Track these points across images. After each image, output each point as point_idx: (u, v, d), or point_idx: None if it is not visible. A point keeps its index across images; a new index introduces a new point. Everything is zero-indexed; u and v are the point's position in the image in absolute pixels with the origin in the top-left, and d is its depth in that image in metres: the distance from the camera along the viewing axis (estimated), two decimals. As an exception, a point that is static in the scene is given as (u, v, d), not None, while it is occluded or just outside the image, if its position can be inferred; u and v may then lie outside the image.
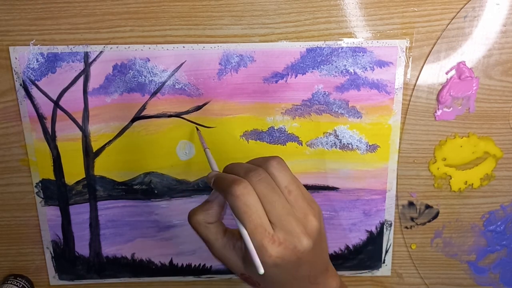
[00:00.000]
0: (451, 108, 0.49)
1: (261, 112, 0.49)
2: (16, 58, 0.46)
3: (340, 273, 0.54)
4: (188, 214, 0.38)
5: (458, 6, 0.46)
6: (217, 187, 0.37)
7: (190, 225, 0.38)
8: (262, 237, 0.34)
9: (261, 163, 0.37)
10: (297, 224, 0.35)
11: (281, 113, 0.49)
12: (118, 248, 0.53)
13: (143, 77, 0.47)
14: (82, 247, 0.52)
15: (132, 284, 0.55)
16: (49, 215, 0.51)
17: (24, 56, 0.46)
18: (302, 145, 0.50)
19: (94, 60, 0.46)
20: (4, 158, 0.50)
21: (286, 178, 0.36)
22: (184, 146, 0.50)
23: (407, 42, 0.47)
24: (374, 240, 0.53)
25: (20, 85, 0.47)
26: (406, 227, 0.54)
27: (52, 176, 0.50)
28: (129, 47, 0.46)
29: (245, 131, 0.49)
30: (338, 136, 0.50)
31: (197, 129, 0.48)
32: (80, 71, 0.47)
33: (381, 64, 0.47)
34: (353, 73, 0.48)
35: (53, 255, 0.53)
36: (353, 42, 0.47)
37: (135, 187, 0.51)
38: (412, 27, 0.47)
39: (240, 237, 0.36)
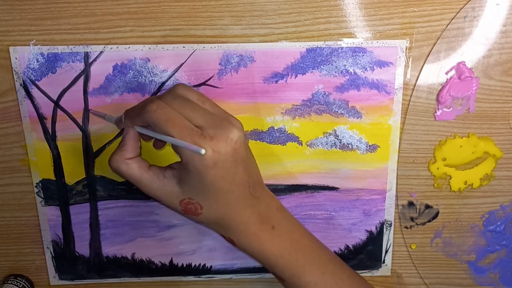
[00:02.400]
0: (451, 108, 0.49)
1: (261, 112, 0.49)
2: (16, 58, 0.46)
3: (340, 273, 0.55)
4: (108, 161, 0.37)
5: (458, 6, 0.46)
6: (129, 117, 0.37)
7: (112, 169, 0.37)
8: (192, 137, 0.34)
9: (168, 91, 0.37)
10: (222, 120, 0.36)
11: (281, 113, 0.49)
12: (118, 248, 0.53)
13: (143, 77, 0.47)
14: (82, 247, 0.53)
15: (132, 284, 0.55)
16: (49, 215, 0.51)
17: (24, 56, 0.46)
18: (302, 145, 0.50)
19: (94, 60, 0.47)
20: (4, 158, 0.50)
21: (195, 94, 0.37)
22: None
23: (407, 42, 0.47)
24: (374, 240, 0.53)
25: (20, 85, 0.47)
26: (406, 227, 0.54)
27: (52, 176, 0.50)
28: (129, 47, 0.46)
29: (245, 131, 0.49)
30: (338, 136, 0.50)
31: (89, 109, 0.47)
32: (80, 71, 0.47)
33: (381, 64, 0.48)
34: (353, 73, 0.48)
35: (53, 255, 0.53)
36: (353, 42, 0.47)
37: (135, 187, 0.51)
38: (412, 27, 0.47)
39: (169, 167, 0.36)
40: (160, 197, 0.38)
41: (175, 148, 0.36)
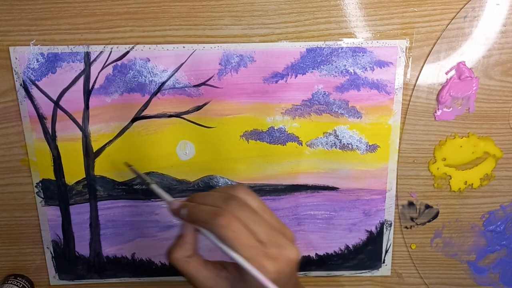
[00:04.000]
0: (451, 108, 0.49)
1: (261, 112, 0.49)
2: (16, 58, 0.46)
3: (340, 273, 0.55)
4: (166, 253, 0.38)
5: (458, 6, 0.46)
6: (195, 220, 0.37)
7: (171, 263, 0.38)
8: (257, 256, 0.35)
9: (230, 191, 0.38)
10: (282, 237, 0.36)
11: (281, 113, 0.49)
12: (118, 248, 0.53)
13: (143, 77, 0.47)
14: (82, 247, 0.53)
15: (132, 284, 0.55)
16: (49, 215, 0.51)
17: (24, 56, 0.46)
18: (302, 145, 0.50)
19: (95, 60, 0.47)
20: (4, 158, 0.50)
21: (256, 200, 0.38)
22: (184, 146, 0.50)
23: (407, 42, 0.47)
24: (374, 240, 0.53)
25: (20, 85, 0.47)
26: (406, 227, 0.54)
27: (52, 176, 0.50)
28: (129, 47, 0.46)
29: (245, 131, 0.49)
30: (338, 136, 0.50)
31: (129, 165, 0.46)
32: (80, 71, 0.47)
33: (381, 64, 0.48)
34: (353, 73, 0.48)
35: (53, 255, 0.53)
36: (353, 42, 0.47)
37: (135, 187, 0.51)
38: (412, 27, 0.47)
39: (223, 267, 0.38)
40: None
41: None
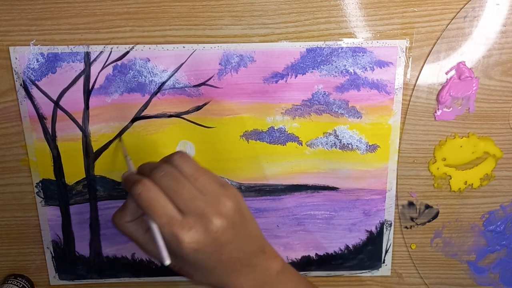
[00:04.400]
0: (451, 108, 0.49)
1: (261, 112, 0.49)
2: (16, 58, 0.46)
3: (340, 273, 0.55)
4: (111, 219, 0.39)
5: (458, 6, 0.46)
6: (124, 189, 0.38)
7: (115, 227, 0.39)
8: (170, 225, 0.35)
9: (166, 159, 0.38)
10: (207, 206, 0.36)
11: (281, 113, 0.49)
12: (118, 248, 0.53)
13: (143, 77, 0.47)
14: (82, 247, 0.53)
15: (132, 284, 0.55)
16: (49, 215, 0.51)
17: (24, 56, 0.46)
18: (302, 145, 0.50)
19: (95, 60, 0.47)
20: (4, 158, 0.50)
21: (190, 167, 0.37)
22: (184, 146, 0.50)
23: (407, 42, 0.47)
24: (374, 240, 0.53)
25: (20, 85, 0.47)
26: (406, 227, 0.54)
27: (52, 176, 0.50)
28: (129, 47, 0.46)
29: (245, 131, 0.49)
30: (338, 136, 0.50)
31: (120, 140, 0.49)
32: (80, 71, 0.47)
33: (381, 64, 0.48)
34: (353, 73, 0.48)
35: (53, 255, 0.53)
36: (353, 42, 0.47)
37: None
38: (412, 27, 0.47)
39: None
40: (152, 256, 0.39)
41: None
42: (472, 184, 0.52)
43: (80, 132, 0.49)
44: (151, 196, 0.35)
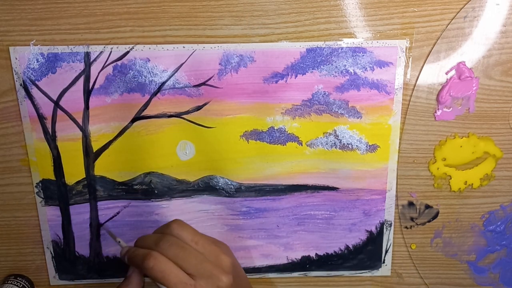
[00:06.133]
0: (451, 108, 0.49)
1: (261, 112, 0.49)
2: (16, 58, 0.46)
3: (340, 273, 0.55)
4: None
5: (458, 6, 0.46)
6: (132, 264, 0.41)
7: None
8: None
9: (164, 230, 0.41)
10: (213, 267, 0.39)
11: (281, 113, 0.49)
12: (118, 248, 0.53)
13: (143, 77, 0.47)
14: (82, 247, 0.53)
15: (132, 284, 0.55)
16: (49, 215, 0.51)
17: (24, 56, 0.46)
18: (302, 145, 0.50)
19: (95, 60, 0.47)
20: (4, 158, 0.50)
21: (189, 233, 0.41)
22: (184, 146, 0.50)
23: (407, 42, 0.47)
24: (374, 240, 0.53)
25: (20, 85, 0.47)
26: (406, 227, 0.54)
27: (52, 176, 0.50)
28: (129, 47, 0.46)
29: (245, 131, 0.49)
30: (338, 136, 0.50)
31: (104, 227, 0.52)
32: (80, 71, 0.47)
33: (381, 64, 0.48)
34: (353, 73, 0.48)
35: (53, 255, 0.53)
36: (353, 42, 0.47)
37: (135, 187, 0.51)
38: (412, 27, 0.47)
39: None
40: None
41: None
42: (472, 184, 0.52)
43: (80, 132, 0.49)
44: (164, 268, 0.38)
